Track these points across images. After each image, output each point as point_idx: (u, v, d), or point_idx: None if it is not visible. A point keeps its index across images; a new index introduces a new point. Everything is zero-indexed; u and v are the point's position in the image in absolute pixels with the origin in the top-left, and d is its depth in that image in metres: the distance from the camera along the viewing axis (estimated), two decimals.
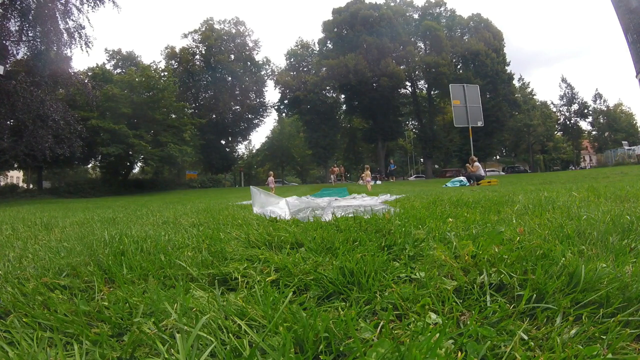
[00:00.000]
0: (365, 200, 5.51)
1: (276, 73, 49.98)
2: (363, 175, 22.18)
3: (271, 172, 16.14)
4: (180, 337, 0.77)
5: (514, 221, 2.10)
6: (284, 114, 53.45)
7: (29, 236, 2.59)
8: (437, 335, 0.73)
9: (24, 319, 0.97)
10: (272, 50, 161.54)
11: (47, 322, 0.96)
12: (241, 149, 61.91)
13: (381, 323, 0.86)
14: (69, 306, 1.06)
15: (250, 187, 3.98)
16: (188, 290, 1.16)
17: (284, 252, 1.56)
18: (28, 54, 19.76)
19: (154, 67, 36.90)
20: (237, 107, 47.62)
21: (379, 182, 26.84)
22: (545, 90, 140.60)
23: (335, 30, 47.76)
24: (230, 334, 0.83)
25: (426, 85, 49.19)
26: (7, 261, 1.66)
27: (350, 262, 1.24)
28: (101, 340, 0.85)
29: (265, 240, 1.80)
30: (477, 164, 13.29)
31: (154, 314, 0.95)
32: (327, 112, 46.67)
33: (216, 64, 44.87)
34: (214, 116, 43.63)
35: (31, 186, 37.36)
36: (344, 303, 1.05)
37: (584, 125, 57.37)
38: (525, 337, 0.79)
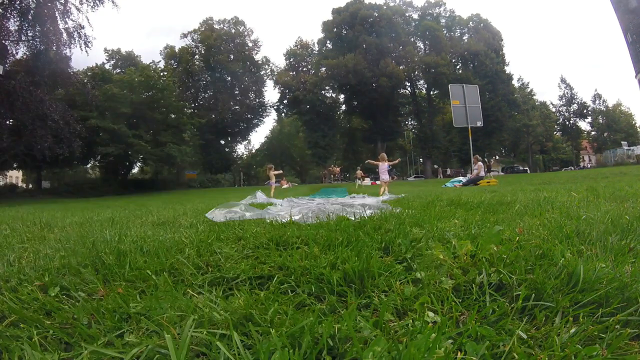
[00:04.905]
0: (365, 200, 5.51)
1: (275, 73, 50.00)
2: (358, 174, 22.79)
3: (281, 171, 13.88)
4: (179, 338, 0.77)
5: (514, 221, 2.10)
6: (283, 114, 53.45)
7: (29, 236, 2.59)
8: (435, 334, 0.73)
9: (21, 325, 0.96)
10: (272, 50, 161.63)
11: (45, 324, 0.96)
12: (240, 149, 62.03)
13: (380, 322, 0.86)
14: (67, 307, 1.06)
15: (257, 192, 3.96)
16: (187, 292, 1.16)
17: (284, 252, 1.56)
18: (27, 53, 19.77)
19: (154, 67, 36.87)
20: (237, 107, 47.61)
21: (377, 182, 26.96)
22: (545, 91, 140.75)
23: (335, 30, 47.77)
24: (230, 335, 0.83)
25: (425, 85, 49.20)
26: (6, 262, 1.66)
27: (350, 261, 1.24)
28: (99, 341, 0.84)
29: (265, 240, 1.80)
30: (480, 163, 13.26)
31: (152, 315, 0.95)
32: (327, 112, 46.70)
33: (215, 64, 44.84)
34: (213, 116, 43.59)
35: (30, 186, 37.34)
36: (343, 302, 1.04)
37: (583, 125, 57.54)
38: (524, 337, 0.79)
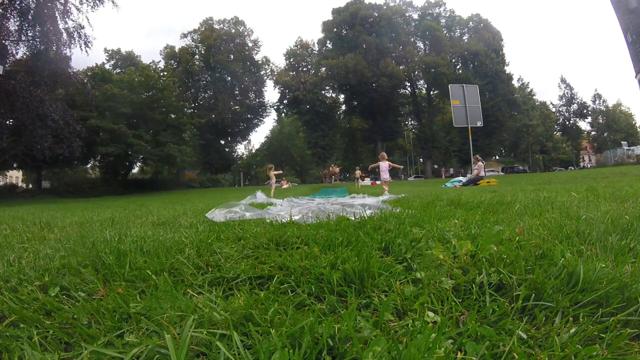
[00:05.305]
0: (365, 200, 5.51)
1: (275, 73, 50.00)
2: (357, 174, 22.98)
3: (281, 171, 13.80)
4: (179, 338, 0.77)
5: (514, 221, 2.10)
6: (283, 114, 53.45)
7: (29, 236, 2.59)
8: (435, 334, 0.73)
9: (21, 325, 0.96)
10: (272, 50, 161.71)
11: (45, 324, 0.96)
12: (240, 149, 62.10)
13: (380, 322, 0.86)
14: (67, 307, 1.06)
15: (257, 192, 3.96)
16: (187, 292, 1.16)
17: (284, 252, 1.56)
18: (27, 53, 19.74)
19: (154, 67, 36.86)
20: (237, 107, 47.62)
21: (378, 182, 27.07)
22: (545, 91, 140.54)
23: (335, 30, 47.78)
24: (230, 335, 0.83)
25: (425, 86, 49.22)
26: (6, 262, 1.66)
27: (350, 261, 1.24)
28: (99, 341, 0.84)
29: (265, 240, 1.80)
30: (480, 163, 13.22)
31: (152, 315, 0.95)
32: (327, 112, 46.71)
33: (215, 64, 44.85)
34: (213, 116, 43.60)
35: (30, 186, 37.30)
36: (343, 302, 1.04)
37: (583, 125, 57.57)
38: (524, 337, 0.79)
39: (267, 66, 50.26)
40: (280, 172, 12.68)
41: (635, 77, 25.16)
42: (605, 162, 37.64)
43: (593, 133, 57.59)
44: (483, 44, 45.12)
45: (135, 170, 42.04)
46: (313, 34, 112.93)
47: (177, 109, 34.41)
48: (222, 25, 48.15)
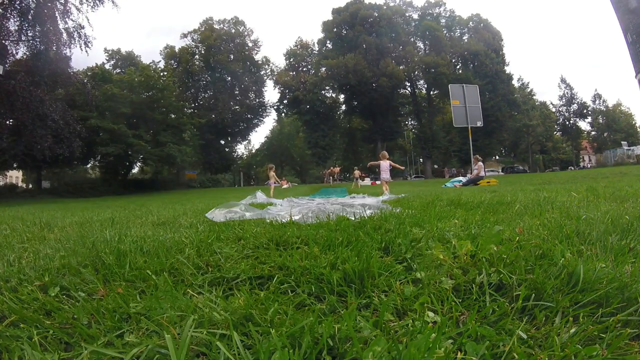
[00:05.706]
0: (365, 200, 5.51)
1: (275, 73, 50.00)
2: (356, 174, 23.03)
3: (282, 178, 14.12)
4: (179, 338, 0.77)
5: (514, 221, 2.10)
6: (283, 114, 53.45)
7: (29, 236, 2.59)
8: (435, 334, 0.73)
9: (21, 325, 0.96)
10: (272, 50, 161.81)
11: (45, 324, 0.96)
12: (240, 149, 62.10)
13: (380, 322, 0.86)
14: (67, 307, 1.06)
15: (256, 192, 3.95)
16: (187, 292, 1.16)
17: (284, 252, 1.56)
18: (27, 53, 19.75)
19: (154, 67, 36.86)
20: (237, 107, 47.63)
21: (378, 182, 27.09)
22: (545, 91, 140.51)
23: (335, 30, 47.80)
24: (230, 334, 0.83)
25: (425, 86, 49.22)
26: (6, 262, 1.65)
27: (350, 261, 1.24)
28: (99, 341, 0.84)
29: (265, 240, 1.80)
30: (480, 163, 13.22)
31: (152, 315, 0.95)
32: (327, 112, 46.72)
33: (215, 64, 44.85)
34: (213, 116, 43.59)
35: (30, 186, 37.29)
36: (343, 302, 1.04)
37: (583, 125, 57.58)
38: (524, 337, 0.79)
39: (267, 66, 50.29)
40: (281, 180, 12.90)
41: (635, 77, 25.17)
42: (605, 162, 37.62)
43: (593, 133, 57.60)
44: (483, 44, 45.11)
45: (135, 170, 42.06)
46: (313, 34, 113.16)
47: (177, 109, 34.43)
48: (222, 25, 48.16)
